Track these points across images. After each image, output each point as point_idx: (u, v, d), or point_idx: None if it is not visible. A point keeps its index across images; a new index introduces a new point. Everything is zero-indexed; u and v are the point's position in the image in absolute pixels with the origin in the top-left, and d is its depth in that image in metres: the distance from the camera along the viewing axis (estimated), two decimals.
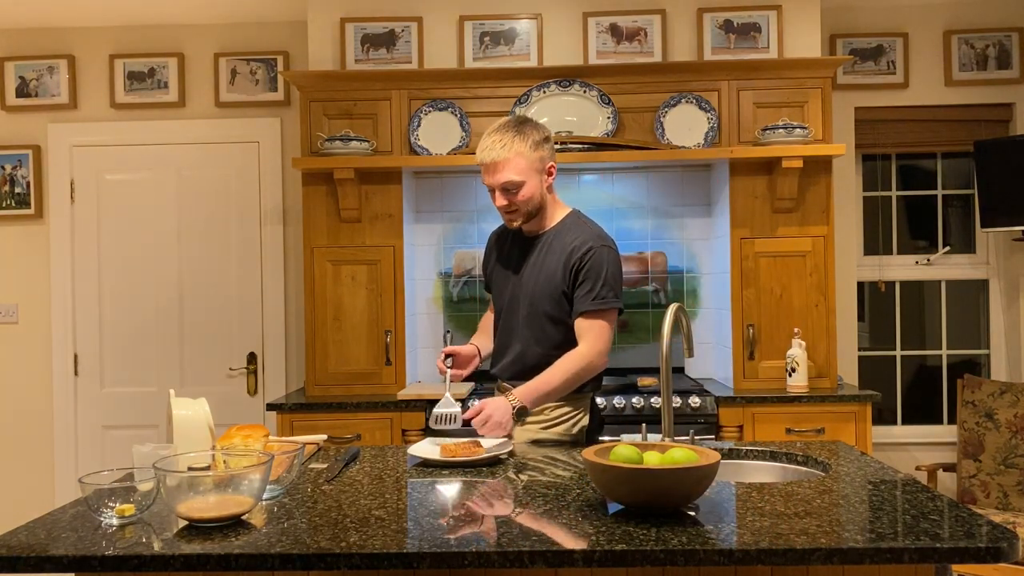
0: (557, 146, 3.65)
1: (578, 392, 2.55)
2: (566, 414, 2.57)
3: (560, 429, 2.56)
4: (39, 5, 4.04)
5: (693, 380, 3.90)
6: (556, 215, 2.62)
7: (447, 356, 2.66)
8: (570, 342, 2.51)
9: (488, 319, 2.85)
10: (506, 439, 2.44)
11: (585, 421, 2.59)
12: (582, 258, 2.49)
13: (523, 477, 2.15)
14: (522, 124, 2.54)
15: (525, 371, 2.55)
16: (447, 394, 2.56)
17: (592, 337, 2.47)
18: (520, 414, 2.46)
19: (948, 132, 4.31)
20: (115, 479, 1.94)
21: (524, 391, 2.45)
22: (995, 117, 4.30)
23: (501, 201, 2.52)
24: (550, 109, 3.80)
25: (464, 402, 3.13)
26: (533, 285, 2.56)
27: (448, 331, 2.90)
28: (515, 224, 2.58)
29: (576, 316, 2.50)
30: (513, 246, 2.69)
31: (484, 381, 3.92)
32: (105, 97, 4.34)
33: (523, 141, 2.48)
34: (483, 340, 2.81)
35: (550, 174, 2.55)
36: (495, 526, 1.72)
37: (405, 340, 3.78)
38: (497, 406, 2.43)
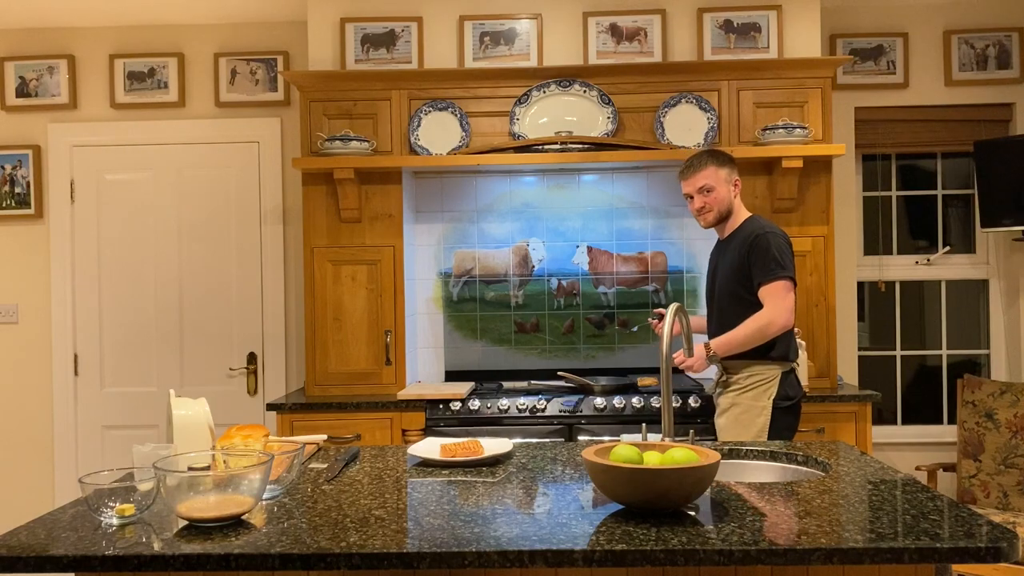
0: (556, 146, 3.68)
1: (766, 360, 3.04)
2: (756, 383, 3.05)
3: (751, 395, 3.05)
4: (39, 5, 4.04)
5: (693, 380, 3.90)
6: (739, 219, 3.19)
7: (659, 315, 3.33)
8: (744, 316, 3.04)
9: None
10: (507, 442, 2.45)
11: (775, 390, 3.04)
12: (751, 245, 3.06)
13: (523, 477, 2.15)
14: (713, 151, 3.23)
15: None
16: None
17: (769, 300, 3.01)
18: (712, 359, 3.05)
19: (948, 132, 4.31)
20: (115, 479, 1.94)
21: (716, 340, 3.05)
22: (995, 117, 4.30)
23: (697, 204, 3.18)
24: (550, 109, 3.80)
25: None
26: (724, 275, 3.17)
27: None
28: (709, 221, 3.20)
29: (757, 290, 3.04)
30: (715, 253, 3.31)
31: (484, 380, 3.94)
32: (105, 97, 4.34)
33: (713, 159, 3.16)
34: (695, 319, 3.40)
35: (736, 186, 3.18)
36: (495, 526, 1.72)
37: (405, 340, 3.78)
38: (695, 352, 3.00)
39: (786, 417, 3.07)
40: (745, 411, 3.05)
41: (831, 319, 3.70)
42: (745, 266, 3.07)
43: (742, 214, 3.20)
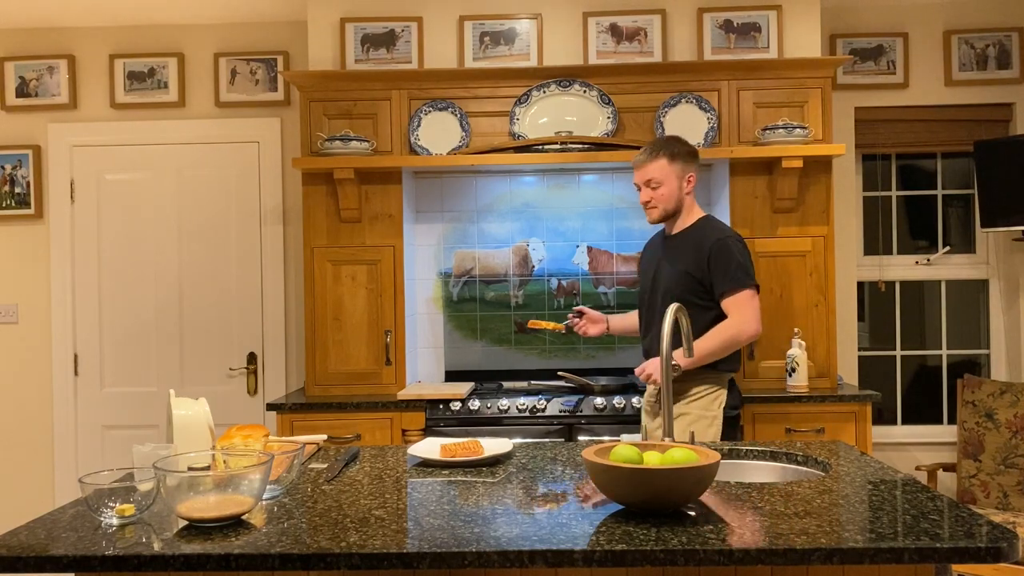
0: (556, 146, 3.68)
1: (715, 370, 2.93)
2: (705, 390, 2.95)
3: (700, 404, 2.94)
4: (39, 5, 4.04)
5: None
6: (691, 218, 3.06)
7: (579, 312, 3.25)
8: (701, 324, 2.89)
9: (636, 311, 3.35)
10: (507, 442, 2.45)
11: (724, 398, 2.96)
12: (712, 249, 2.93)
13: (523, 477, 2.15)
14: (670, 140, 3.07)
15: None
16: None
17: (736, 310, 2.90)
18: (674, 370, 2.76)
19: (948, 132, 4.31)
20: (115, 479, 1.94)
21: (680, 351, 2.70)
22: (995, 117, 4.30)
23: (644, 197, 3.04)
24: (550, 109, 3.80)
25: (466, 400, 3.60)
26: (670, 275, 3.01)
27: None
28: (653, 218, 3.06)
29: (720, 298, 2.93)
30: (658, 247, 3.15)
31: (484, 380, 3.94)
32: (105, 97, 4.34)
33: (666, 152, 3.00)
34: (617, 318, 3.35)
35: (689, 182, 3.02)
36: (495, 526, 1.72)
37: (405, 340, 3.78)
38: (654, 364, 2.91)
39: (731, 428, 3.00)
40: (695, 420, 2.92)
41: (831, 319, 3.70)
42: (704, 272, 2.93)
43: (694, 212, 3.07)
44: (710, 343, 2.87)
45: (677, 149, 3.00)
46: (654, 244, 3.22)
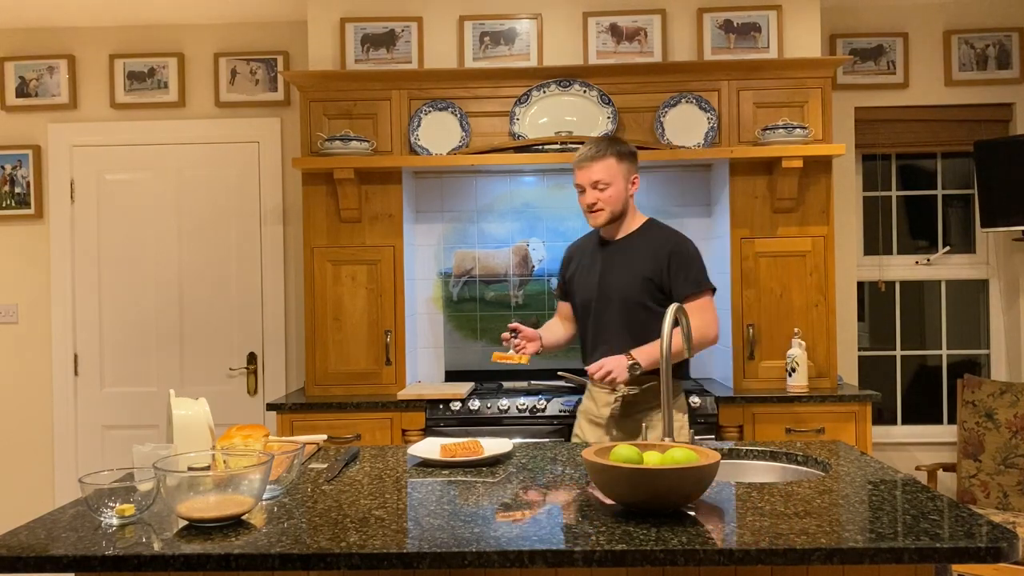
0: (556, 146, 3.68)
1: (674, 376, 2.74)
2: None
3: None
4: (39, 5, 4.04)
5: (693, 380, 3.90)
6: (635, 221, 2.95)
7: (513, 331, 2.96)
8: (658, 329, 2.63)
9: (552, 322, 3.21)
10: (507, 443, 2.45)
11: (685, 406, 2.97)
12: (671, 252, 2.85)
13: (523, 477, 2.15)
14: (614, 140, 2.96)
15: None
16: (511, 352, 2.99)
17: (698, 314, 2.79)
18: (633, 369, 2.71)
19: (948, 132, 4.31)
20: (115, 479, 1.94)
21: (641, 351, 2.74)
22: (995, 117, 4.30)
23: (590, 199, 2.85)
24: (550, 109, 3.80)
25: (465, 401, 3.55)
26: (625, 281, 2.86)
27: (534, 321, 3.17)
28: (599, 222, 2.88)
29: (679, 301, 2.73)
30: (595, 253, 2.99)
31: (484, 380, 3.93)
32: (105, 97, 4.34)
33: (613, 151, 2.85)
34: (546, 334, 3.07)
35: (634, 184, 2.91)
36: (495, 526, 1.72)
37: (405, 340, 3.78)
38: (616, 361, 2.73)
39: None
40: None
41: (831, 319, 3.70)
42: (663, 277, 2.83)
43: (638, 215, 2.96)
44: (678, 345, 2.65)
45: (623, 148, 2.88)
46: (584, 251, 3.05)
